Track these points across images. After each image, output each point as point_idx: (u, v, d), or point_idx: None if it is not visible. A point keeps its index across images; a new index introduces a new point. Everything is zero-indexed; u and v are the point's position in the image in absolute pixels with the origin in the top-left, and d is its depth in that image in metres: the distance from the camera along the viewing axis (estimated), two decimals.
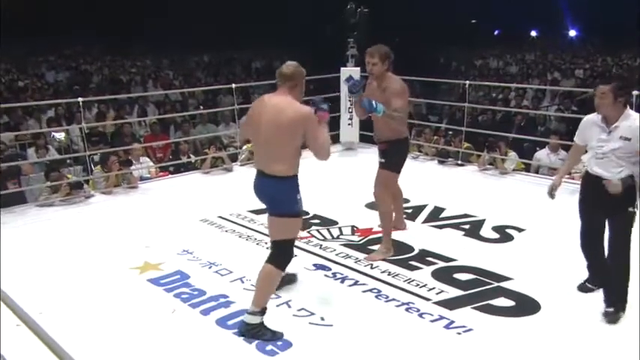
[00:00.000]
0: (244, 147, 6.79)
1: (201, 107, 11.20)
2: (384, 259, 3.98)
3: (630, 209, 3.09)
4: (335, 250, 4.20)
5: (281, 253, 3.04)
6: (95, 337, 3.04)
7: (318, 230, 4.60)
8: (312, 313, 3.26)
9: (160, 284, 3.65)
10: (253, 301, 3.04)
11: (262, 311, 3.03)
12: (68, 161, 6.94)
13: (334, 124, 7.48)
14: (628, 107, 3.07)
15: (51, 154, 7.24)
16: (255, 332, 3.01)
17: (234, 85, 6.82)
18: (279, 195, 2.99)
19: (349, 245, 4.28)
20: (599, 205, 3.15)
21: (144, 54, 22.03)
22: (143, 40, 23.13)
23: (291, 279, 3.60)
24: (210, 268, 3.89)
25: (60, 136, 7.86)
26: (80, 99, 5.86)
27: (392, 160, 4.06)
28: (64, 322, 3.15)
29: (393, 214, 4.26)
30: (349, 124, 7.28)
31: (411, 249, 4.18)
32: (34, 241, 4.44)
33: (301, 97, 3.11)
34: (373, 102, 3.80)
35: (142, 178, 6.17)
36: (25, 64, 19.41)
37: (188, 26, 22.71)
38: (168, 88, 13.63)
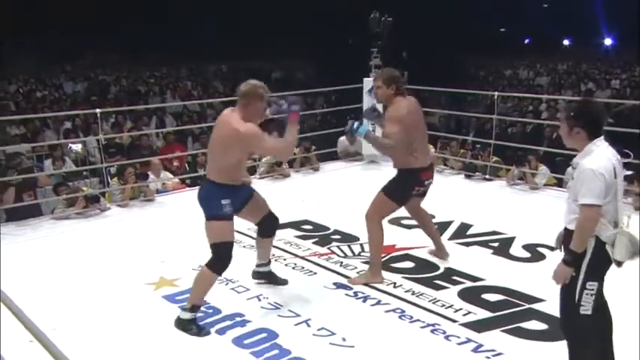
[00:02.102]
0: (263, 159, 6.83)
1: None
2: (369, 284, 3.84)
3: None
4: (356, 267, 4.18)
5: (215, 256, 3.29)
6: (108, 355, 3.07)
7: (338, 247, 4.59)
8: (333, 333, 3.24)
9: (175, 301, 3.67)
10: (188, 298, 3.33)
11: (192, 309, 3.29)
12: (85, 173, 7.07)
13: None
14: (596, 141, 2.51)
15: (68, 166, 7.38)
16: (184, 327, 3.28)
17: None
18: (206, 196, 3.32)
19: None
20: None
21: (162, 63, 22.43)
22: (161, 49, 23.57)
23: (278, 281, 3.86)
24: (226, 284, 3.90)
25: (77, 147, 8.01)
26: (98, 110, 5.98)
27: (391, 186, 3.90)
28: (77, 339, 3.18)
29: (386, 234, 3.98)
30: None
31: (437, 267, 4.13)
32: (49, 254, 4.51)
33: (256, 116, 3.25)
34: (355, 123, 3.76)
35: (158, 191, 6.25)
36: (43, 73, 19.94)
37: (206, 35, 23.08)
38: (186, 99, 13.84)
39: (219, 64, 22.43)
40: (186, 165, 7.88)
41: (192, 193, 6.31)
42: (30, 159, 7.75)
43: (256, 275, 3.89)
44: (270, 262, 3.90)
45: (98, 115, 5.92)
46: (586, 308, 2.51)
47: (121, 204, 5.74)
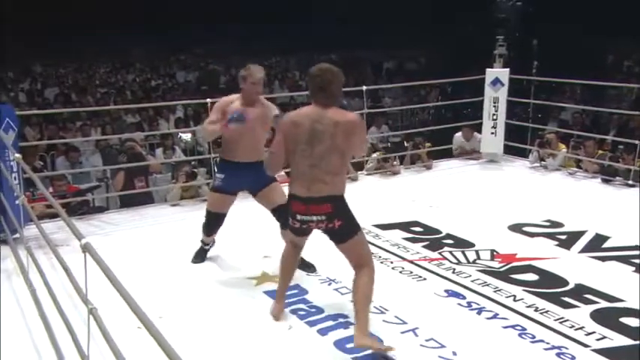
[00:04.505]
0: (373, 155, 6.81)
1: None
2: None
3: None
4: (470, 275, 4.04)
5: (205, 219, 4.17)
6: (209, 347, 3.21)
7: (451, 252, 4.46)
8: (443, 346, 3.15)
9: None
10: None
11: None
12: (193, 163, 7.49)
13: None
14: None
15: (177, 155, 7.87)
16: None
17: (364, 88, 6.86)
18: None
19: (487, 272, 4.09)
20: None
21: (273, 53, 23.21)
22: (272, 39, 24.38)
23: (308, 265, 4.07)
24: (329, 284, 3.94)
25: (186, 137, 8.49)
26: (209, 100, 6.28)
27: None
28: (181, 328, 3.37)
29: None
30: (492, 133, 7.00)
31: (565, 282, 3.89)
32: (157, 241, 4.82)
33: (243, 96, 4.05)
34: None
35: None
36: (158, 62, 21.50)
37: (315, 24, 23.52)
38: (294, 89, 14.19)
39: (329, 53, 22.73)
40: None
41: None
42: (143, 147, 8.38)
43: None
44: None
45: (208, 104, 6.21)
46: None
47: None
